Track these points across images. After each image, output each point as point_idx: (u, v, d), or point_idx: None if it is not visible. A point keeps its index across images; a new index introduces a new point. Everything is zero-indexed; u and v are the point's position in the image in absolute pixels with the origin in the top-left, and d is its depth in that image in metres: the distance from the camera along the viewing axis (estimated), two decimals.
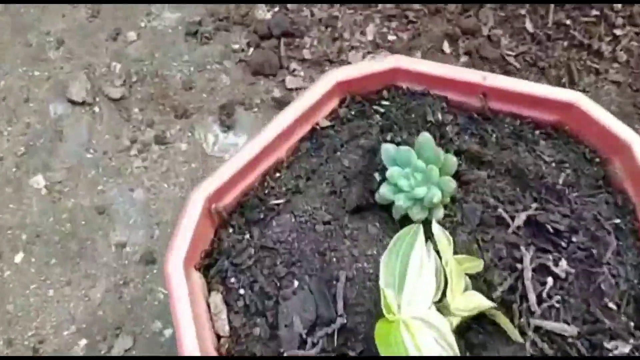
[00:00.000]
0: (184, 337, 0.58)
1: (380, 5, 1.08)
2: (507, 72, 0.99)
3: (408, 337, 0.51)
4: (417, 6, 1.07)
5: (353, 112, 0.72)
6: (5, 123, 1.04)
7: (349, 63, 1.03)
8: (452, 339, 0.53)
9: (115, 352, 0.88)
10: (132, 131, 1.03)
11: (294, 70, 1.05)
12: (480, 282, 0.63)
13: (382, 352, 0.49)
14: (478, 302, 0.57)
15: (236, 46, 1.08)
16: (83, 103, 1.04)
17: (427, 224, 0.62)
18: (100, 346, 0.88)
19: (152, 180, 0.99)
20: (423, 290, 0.55)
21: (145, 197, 0.97)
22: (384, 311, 0.52)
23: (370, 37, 1.06)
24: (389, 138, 0.70)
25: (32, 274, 0.93)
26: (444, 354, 0.52)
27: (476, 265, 0.59)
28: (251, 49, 1.07)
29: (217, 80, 1.07)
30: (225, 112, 1.02)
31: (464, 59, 1.04)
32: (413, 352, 0.50)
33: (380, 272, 0.54)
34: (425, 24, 1.06)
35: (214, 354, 0.61)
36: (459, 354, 0.53)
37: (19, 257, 0.95)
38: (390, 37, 1.06)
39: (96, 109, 1.05)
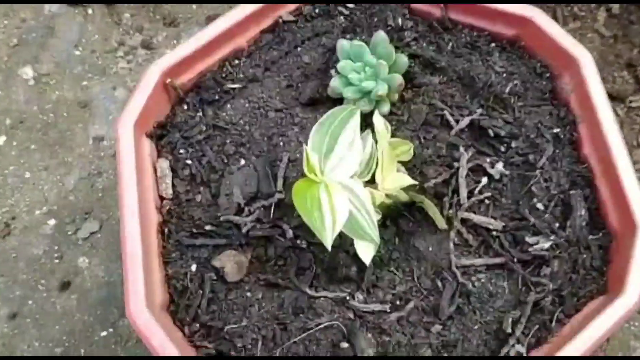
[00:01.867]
0: (125, 189, 0.62)
1: None
2: None
3: (325, 197, 0.53)
4: None
5: (317, 11, 0.75)
6: (2, 17, 1.08)
7: None
8: (370, 207, 0.56)
9: (81, 234, 0.92)
10: (121, 34, 1.06)
11: None
12: (415, 174, 0.66)
13: (297, 206, 0.52)
14: (402, 180, 0.60)
15: None
16: (77, 3, 1.07)
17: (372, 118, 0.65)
18: (68, 227, 0.93)
19: (134, 82, 1.02)
20: (349, 162, 0.57)
21: (127, 96, 1.01)
22: (306, 171, 0.55)
23: None
24: (349, 38, 0.72)
25: (13, 156, 0.98)
26: (359, 217, 0.55)
27: (408, 148, 0.62)
28: None
29: None
30: None
31: None
32: (326, 210, 0.52)
33: (309, 139, 0.57)
34: None
35: (154, 212, 0.65)
36: (375, 223, 0.56)
37: (1, 140, 0.99)
38: None
39: (89, 10, 1.08)
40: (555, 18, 1.05)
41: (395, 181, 0.61)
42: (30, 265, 0.91)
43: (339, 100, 0.70)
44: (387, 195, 0.62)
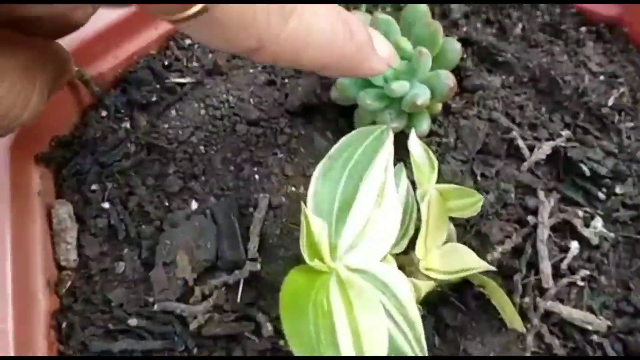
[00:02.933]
0: None
1: None
2: None
3: (337, 298, 0.29)
4: None
5: None
6: None
7: None
8: (415, 313, 0.31)
9: None
10: None
11: None
12: (470, 236, 0.42)
13: (283, 316, 0.28)
14: (465, 261, 0.35)
15: None
16: None
17: (403, 139, 0.40)
18: None
19: None
20: (379, 231, 0.32)
21: None
22: (306, 254, 0.30)
23: None
24: (368, 9, 0.48)
25: None
26: (401, 340, 0.31)
27: (472, 202, 0.37)
28: None
29: None
30: None
31: None
32: (342, 323, 0.28)
33: (309, 191, 0.32)
34: None
35: (43, 293, 0.40)
36: (425, 348, 0.31)
37: None
38: None
39: None
40: None
41: (449, 260, 0.36)
42: None
43: (348, 109, 0.47)
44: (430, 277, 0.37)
